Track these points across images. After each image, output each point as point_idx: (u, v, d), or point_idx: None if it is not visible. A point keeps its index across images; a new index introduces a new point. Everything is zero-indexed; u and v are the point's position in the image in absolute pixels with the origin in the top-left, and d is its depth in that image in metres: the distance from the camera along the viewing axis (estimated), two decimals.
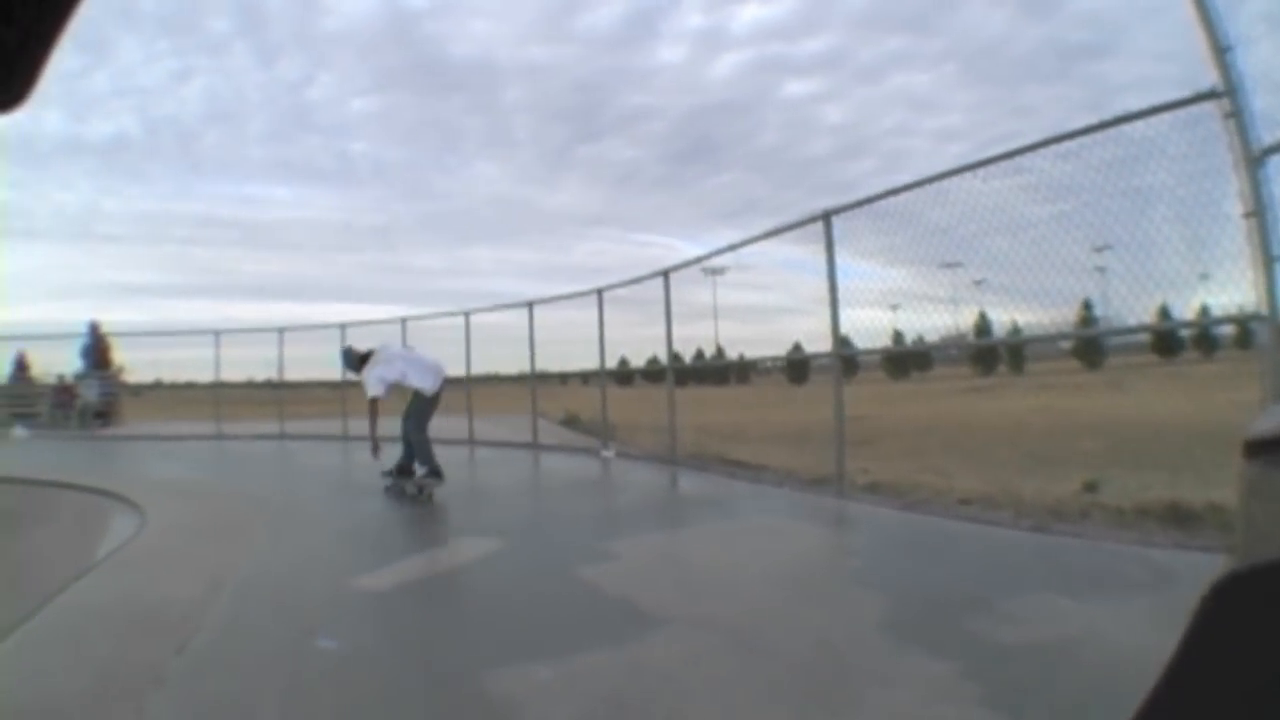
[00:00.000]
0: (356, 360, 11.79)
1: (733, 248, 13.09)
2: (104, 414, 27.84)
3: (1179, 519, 7.23)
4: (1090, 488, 9.16)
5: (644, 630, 4.85)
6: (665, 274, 14.47)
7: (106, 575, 6.79)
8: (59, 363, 29.94)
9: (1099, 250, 8.05)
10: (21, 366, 32.96)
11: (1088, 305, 9.07)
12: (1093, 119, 7.45)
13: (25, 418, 27.60)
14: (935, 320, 10.43)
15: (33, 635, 5.14)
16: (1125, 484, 9.01)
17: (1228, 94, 6.35)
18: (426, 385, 11.39)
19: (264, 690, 4.08)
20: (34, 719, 3.84)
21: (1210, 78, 6.44)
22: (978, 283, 10.21)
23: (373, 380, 11.19)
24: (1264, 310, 6.10)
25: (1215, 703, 0.83)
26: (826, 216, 10.35)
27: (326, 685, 4.15)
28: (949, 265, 9.95)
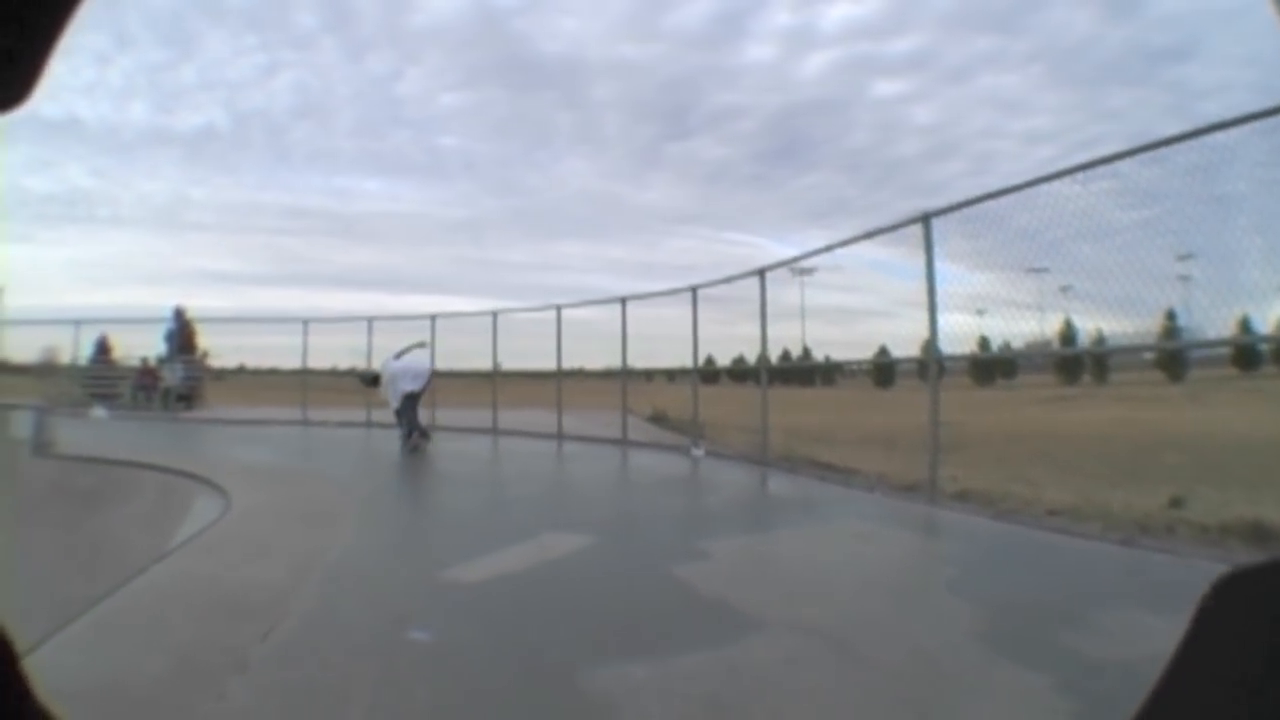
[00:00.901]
0: (371, 380, 18.36)
1: (829, 248, 12.88)
2: (187, 397, 28.30)
3: (1260, 538, 7.09)
4: (1176, 503, 8.88)
5: (740, 632, 4.71)
6: (761, 273, 14.26)
7: (188, 558, 6.73)
8: (142, 346, 30.56)
9: (1182, 259, 7.84)
10: (103, 349, 33.69)
11: (1171, 315, 8.87)
12: (1176, 123, 7.23)
13: (106, 399, 28.14)
14: (1021, 326, 10.18)
15: (111, 615, 5.07)
16: (1209, 500, 8.78)
17: None
18: (415, 387, 16.70)
19: (352, 680, 3.95)
20: (110, 699, 3.73)
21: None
22: (1063, 289, 10.00)
23: (392, 399, 16.71)
24: None
25: (1216, 697, 0.85)
26: (926, 219, 10.05)
27: (417, 677, 4.02)
28: (1035, 270, 9.74)
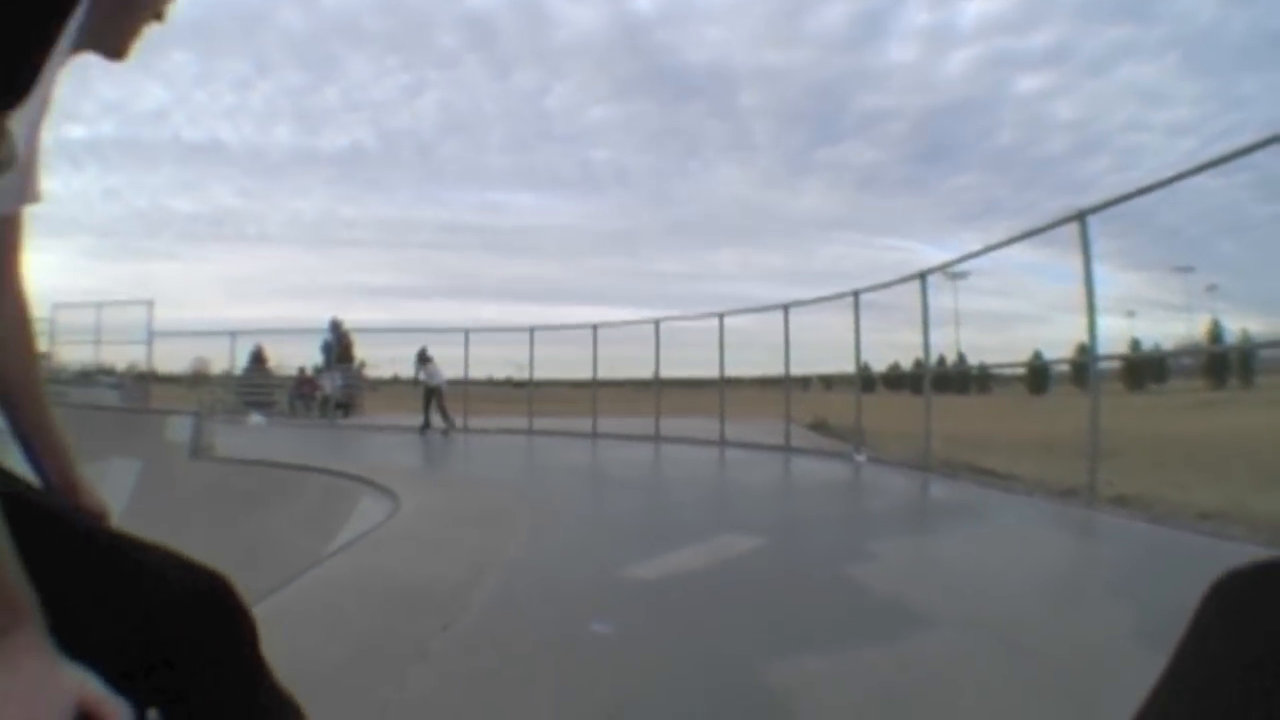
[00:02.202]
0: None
1: (987, 250, 12.73)
2: (345, 405, 29.15)
3: None
4: None
5: (910, 627, 4.76)
6: (922, 276, 14.10)
7: (362, 553, 6.95)
8: (298, 357, 31.68)
9: None
10: (258, 359, 35.04)
11: None
12: None
13: (262, 407, 29.25)
14: (1170, 328, 10.02)
15: (286, 605, 5.24)
16: None
17: None
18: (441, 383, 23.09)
19: (535, 669, 4.06)
20: (290, 683, 3.88)
21: None
22: (1210, 288, 9.76)
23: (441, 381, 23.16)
24: None
25: (1217, 692, 0.88)
26: (1082, 217, 9.75)
27: (600, 666, 4.11)
28: (1181, 269, 9.51)
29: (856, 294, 16.11)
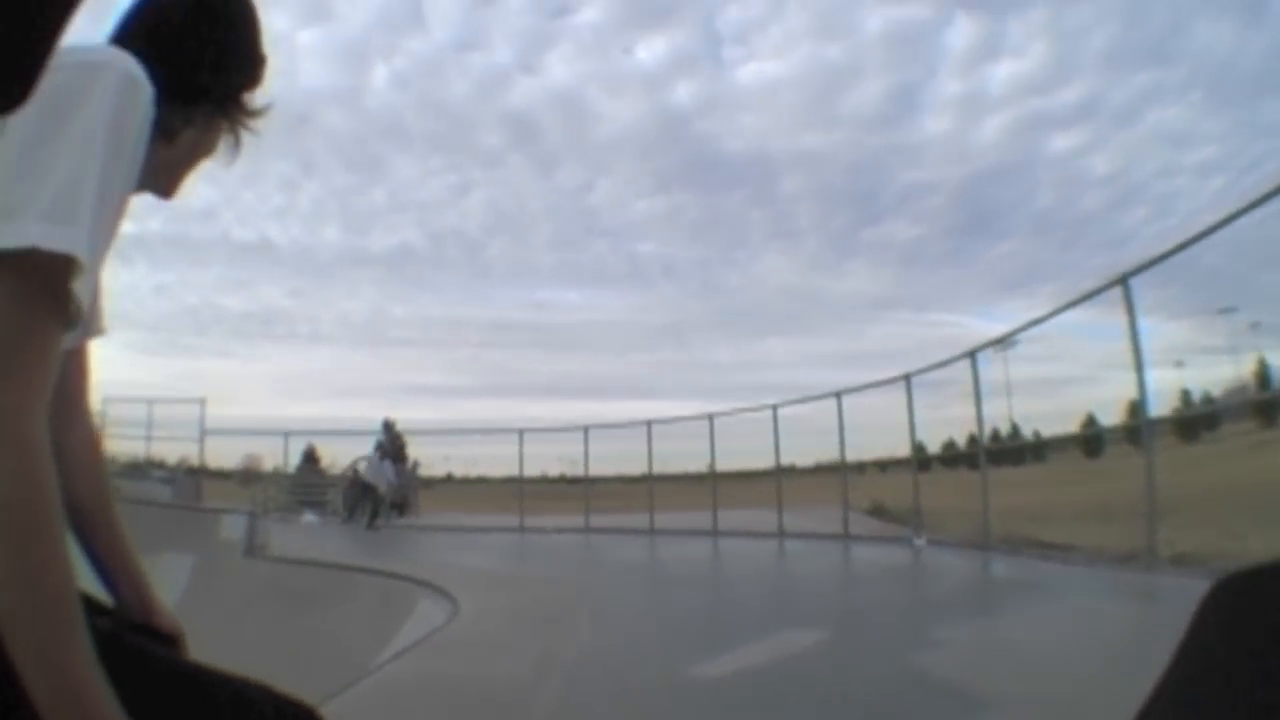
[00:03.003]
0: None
1: (1035, 323, 12.92)
2: (399, 505, 29.14)
3: None
4: None
5: (976, 709, 4.82)
6: (972, 354, 14.25)
7: (424, 656, 6.94)
8: (351, 455, 31.90)
9: None
10: (311, 458, 35.21)
11: None
12: None
13: (315, 506, 29.34)
14: (1218, 373, 10.05)
15: (351, 706, 5.23)
16: None
17: None
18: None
19: None
20: None
21: None
22: (1253, 326, 9.78)
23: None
24: None
25: (1215, 698, 0.89)
26: (1124, 280, 9.85)
27: None
28: (1224, 311, 9.56)
29: (908, 377, 16.24)
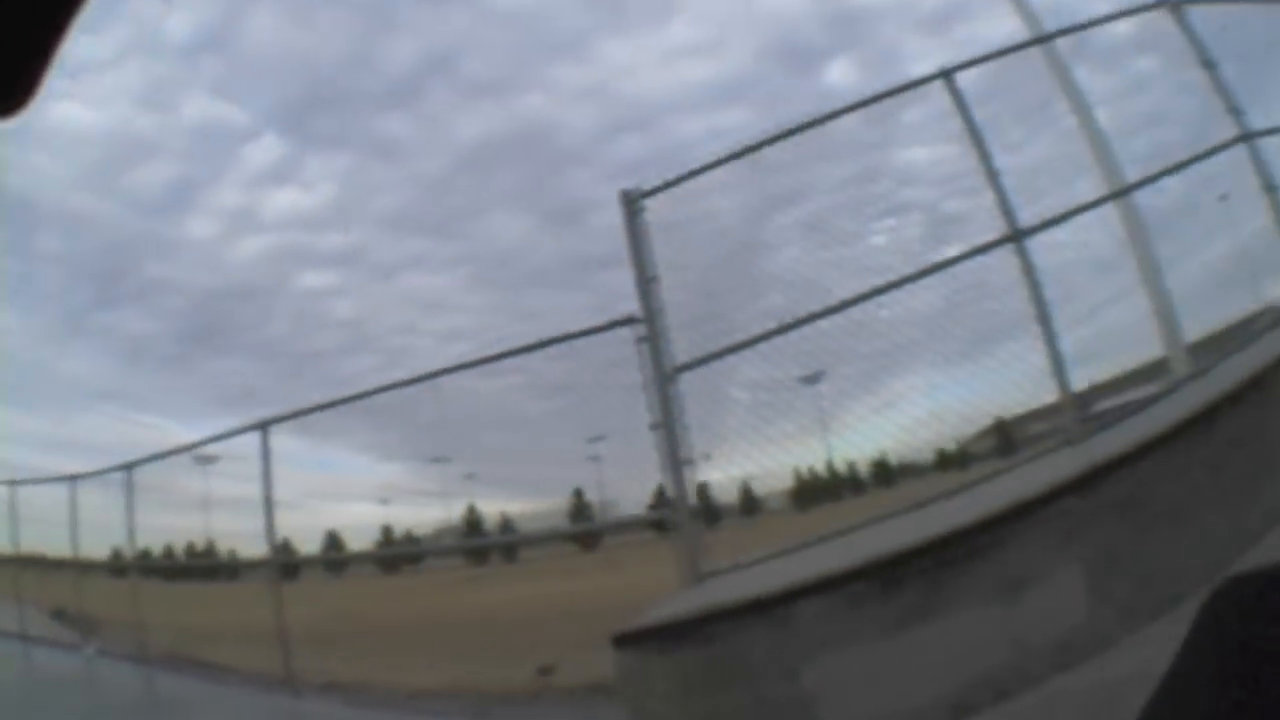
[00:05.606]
0: None
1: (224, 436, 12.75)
2: None
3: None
4: (545, 671, 9.89)
5: None
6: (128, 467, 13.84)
7: None
8: None
9: (592, 441, 8.80)
10: None
11: (578, 492, 9.82)
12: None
13: None
14: (429, 514, 10.77)
15: None
16: (585, 663, 9.40)
17: (646, 320, 7.34)
18: None
19: None
20: None
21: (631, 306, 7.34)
22: (468, 476, 10.64)
23: None
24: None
25: (1215, 696, 0.89)
26: (264, 426, 10.58)
27: None
28: (438, 460, 10.32)
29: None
